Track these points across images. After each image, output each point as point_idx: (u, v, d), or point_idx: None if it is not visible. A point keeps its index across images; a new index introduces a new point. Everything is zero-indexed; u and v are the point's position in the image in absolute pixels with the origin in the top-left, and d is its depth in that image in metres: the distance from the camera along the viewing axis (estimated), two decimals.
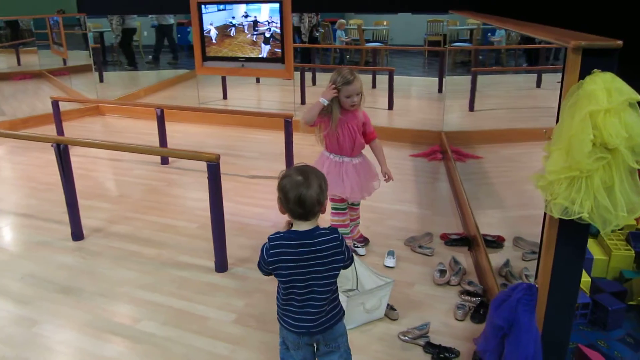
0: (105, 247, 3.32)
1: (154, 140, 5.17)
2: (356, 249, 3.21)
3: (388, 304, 2.58)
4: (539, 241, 3.34)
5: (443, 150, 5.04)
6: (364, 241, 3.30)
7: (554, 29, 2.05)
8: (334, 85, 2.87)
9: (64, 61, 9.05)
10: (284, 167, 4.46)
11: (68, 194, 3.28)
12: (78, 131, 6.24)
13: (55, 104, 5.26)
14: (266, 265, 1.83)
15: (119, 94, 7.82)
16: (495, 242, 3.26)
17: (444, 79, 7.90)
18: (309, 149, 4.57)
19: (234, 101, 7.76)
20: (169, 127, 6.16)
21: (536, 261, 2.19)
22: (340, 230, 3.17)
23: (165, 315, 2.61)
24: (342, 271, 2.83)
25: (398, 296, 2.70)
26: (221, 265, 2.98)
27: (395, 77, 7.47)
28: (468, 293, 2.71)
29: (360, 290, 2.74)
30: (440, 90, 7.96)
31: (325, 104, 2.91)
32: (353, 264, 2.78)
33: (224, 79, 7.66)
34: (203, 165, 2.82)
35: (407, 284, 2.83)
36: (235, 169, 4.75)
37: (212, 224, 2.91)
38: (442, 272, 2.90)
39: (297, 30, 9.77)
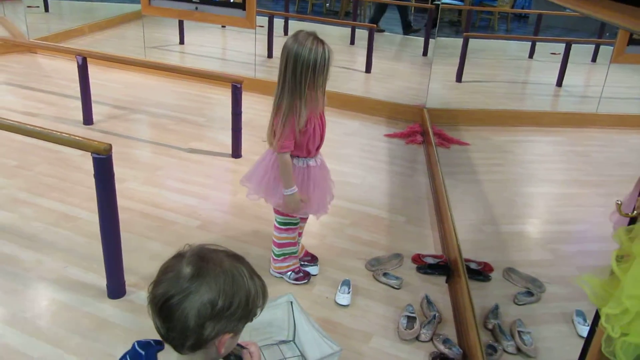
0: None
1: (94, 92, 4.27)
2: (307, 267, 2.46)
3: None
4: (535, 276, 2.66)
5: (424, 131, 4.26)
6: (313, 260, 2.55)
7: None
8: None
9: None
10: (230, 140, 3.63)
11: None
12: None
13: None
14: None
15: (59, 29, 6.75)
16: (481, 274, 2.56)
17: (430, 41, 7.06)
18: (260, 119, 3.78)
19: (192, 47, 6.78)
20: (108, 75, 5.27)
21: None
22: (288, 250, 2.38)
23: None
24: (274, 317, 2.11)
25: (348, 357, 1.98)
26: (115, 289, 2.20)
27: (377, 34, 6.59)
28: (442, 359, 2.00)
29: (296, 343, 2.02)
30: (425, 53, 7.10)
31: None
32: (291, 308, 2.05)
33: (180, 21, 6.65)
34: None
35: (363, 336, 2.11)
36: (173, 138, 3.90)
37: (102, 237, 2.11)
38: (411, 319, 2.18)
39: None
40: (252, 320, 1.09)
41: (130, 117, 4.29)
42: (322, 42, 1.99)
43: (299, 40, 1.97)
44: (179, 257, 1.04)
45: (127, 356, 1.11)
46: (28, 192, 3.02)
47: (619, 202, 0.96)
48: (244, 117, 3.58)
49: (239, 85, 3.38)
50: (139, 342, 1.11)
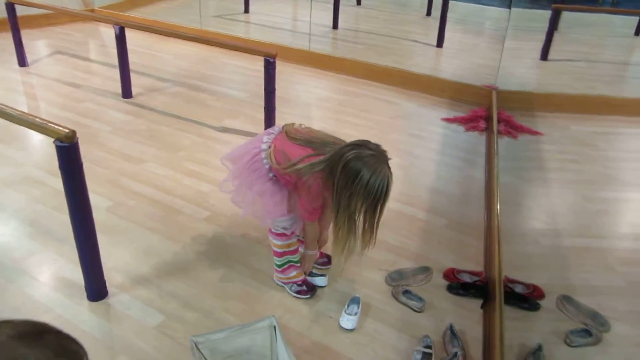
0: None
1: (142, 63, 4.16)
2: (314, 278, 2.12)
3: None
4: (599, 307, 2.14)
5: (490, 116, 3.72)
6: (326, 262, 2.20)
7: None
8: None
9: None
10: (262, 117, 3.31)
11: None
12: (52, 41, 5.25)
13: (10, 7, 4.23)
14: None
15: None
16: (527, 300, 2.09)
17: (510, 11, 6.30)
18: (307, 96, 3.44)
19: (255, 17, 6.52)
20: (163, 46, 5.15)
21: None
22: (289, 258, 2.02)
23: None
24: (254, 343, 1.78)
25: None
26: (94, 291, 1.98)
27: (459, 3, 5.98)
28: None
29: None
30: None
31: None
32: (274, 333, 1.72)
33: None
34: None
35: None
36: (209, 115, 3.65)
37: (74, 237, 1.87)
38: (426, 356, 1.78)
39: None
40: None
41: (171, 91, 4.09)
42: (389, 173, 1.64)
43: (367, 163, 1.62)
44: None
45: None
46: (44, 170, 2.88)
47: None
48: (292, 92, 3.26)
49: (271, 60, 3.03)
50: None
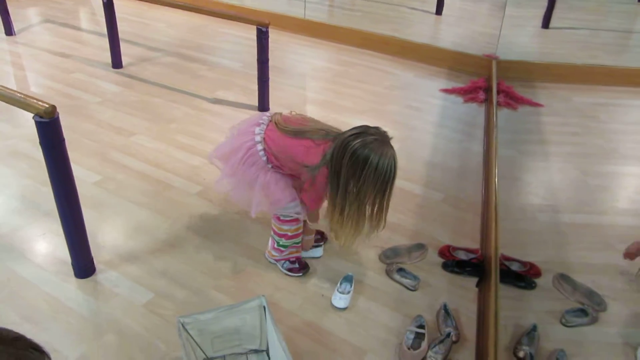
0: None
1: (133, 32, 4.05)
2: (310, 249, 2.09)
3: None
4: (596, 287, 2.10)
5: (489, 87, 3.63)
6: (322, 238, 2.16)
7: None
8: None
9: None
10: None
11: None
12: (40, 9, 5.10)
13: None
14: None
15: None
16: (523, 278, 2.05)
17: None
18: (302, 66, 3.33)
19: None
20: (154, 13, 5.02)
21: None
22: (295, 241, 1.95)
23: None
24: (243, 323, 1.74)
25: None
26: (81, 268, 1.94)
27: None
28: None
29: (270, 355, 1.66)
30: None
31: None
32: (263, 313, 1.69)
33: None
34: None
35: (354, 352, 1.71)
36: (201, 86, 3.55)
37: (59, 214, 1.81)
38: (419, 336, 1.75)
39: None
40: None
41: (162, 61, 3.98)
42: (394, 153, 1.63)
43: (373, 148, 1.58)
44: None
45: None
46: (32, 143, 2.80)
47: None
48: (287, 62, 3.16)
49: (264, 29, 2.93)
50: None
